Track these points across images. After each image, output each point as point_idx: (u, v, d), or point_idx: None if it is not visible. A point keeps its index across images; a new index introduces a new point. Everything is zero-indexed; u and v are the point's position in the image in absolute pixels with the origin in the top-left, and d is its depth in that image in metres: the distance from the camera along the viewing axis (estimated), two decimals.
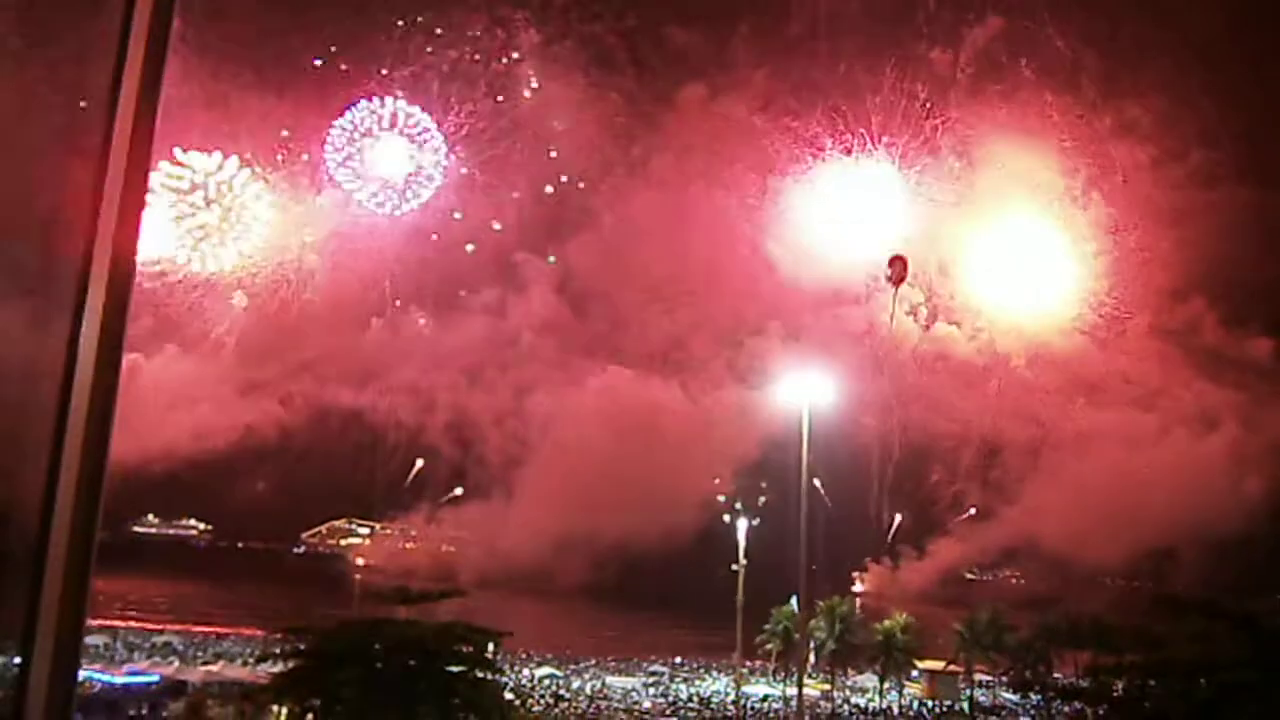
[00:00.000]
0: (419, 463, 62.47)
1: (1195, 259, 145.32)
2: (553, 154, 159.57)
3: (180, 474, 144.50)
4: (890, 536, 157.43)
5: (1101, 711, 17.29)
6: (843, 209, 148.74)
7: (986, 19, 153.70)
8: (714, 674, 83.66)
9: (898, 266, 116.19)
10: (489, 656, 38.22)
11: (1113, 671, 17.94)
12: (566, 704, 64.00)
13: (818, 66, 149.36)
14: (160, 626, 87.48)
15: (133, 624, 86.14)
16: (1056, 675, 62.41)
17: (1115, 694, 17.35)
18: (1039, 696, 62.57)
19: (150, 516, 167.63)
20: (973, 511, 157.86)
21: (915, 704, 73.72)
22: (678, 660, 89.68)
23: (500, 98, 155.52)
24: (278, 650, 38.33)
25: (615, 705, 65.03)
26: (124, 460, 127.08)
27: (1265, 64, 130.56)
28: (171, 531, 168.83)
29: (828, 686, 75.94)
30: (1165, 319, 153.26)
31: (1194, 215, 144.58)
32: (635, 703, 66.93)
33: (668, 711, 62.88)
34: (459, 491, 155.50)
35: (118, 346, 3.88)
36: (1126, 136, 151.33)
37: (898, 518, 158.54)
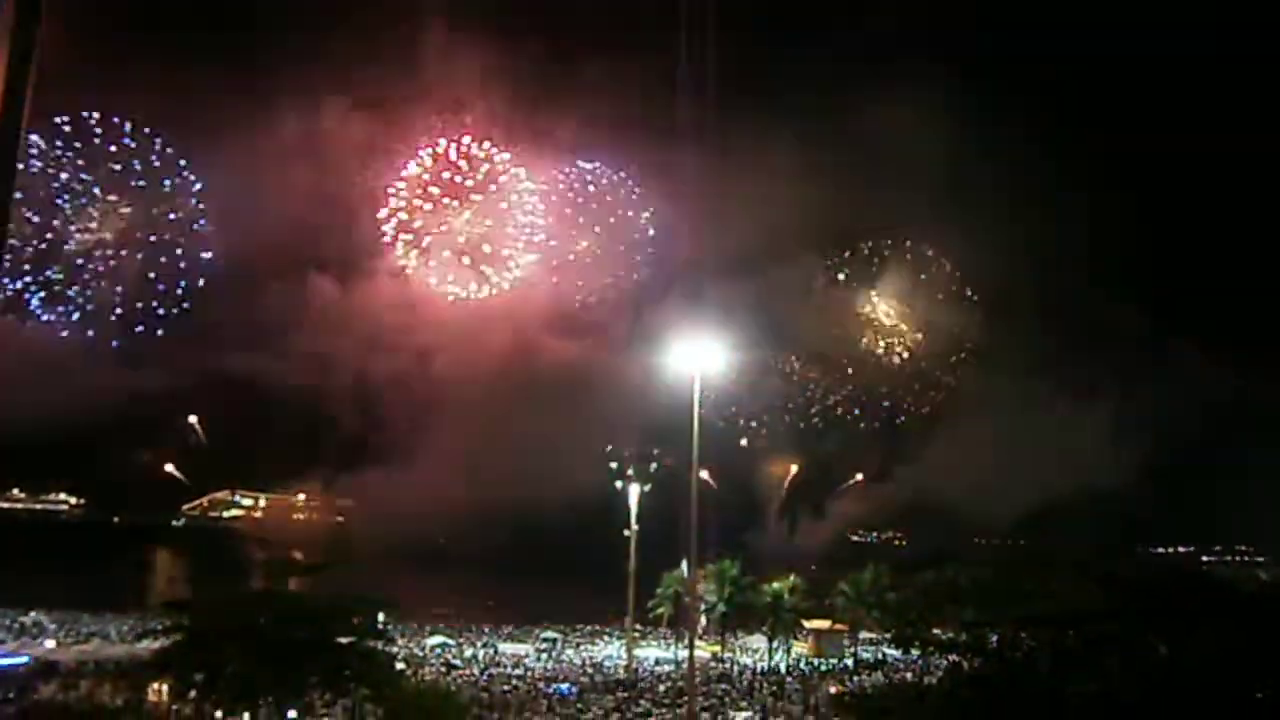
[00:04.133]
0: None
1: (1074, 232, 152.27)
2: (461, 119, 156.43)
3: (51, 444, 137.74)
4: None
5: (977, 663, 18.15)
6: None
7: None
8: (607, 639, 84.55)
9: None
10: (379, 627, 37.75)
11: (987, 625, 18.86)
12: (458, 672, 63.77)
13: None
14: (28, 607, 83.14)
15: None
16: (936, 631, 65.12)
17: (989, 646, 18.21)
18: (919, 651, 65.21)
19: (15, 491, 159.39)
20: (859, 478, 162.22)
21: (802, 662, 75.94)
22: (570, 625, 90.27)
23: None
24: (158, 627, 37.09)
25: (508, 672, 65.07)
26: None
27: None
28: (39, 506, 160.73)
29: (718, 648, 77.59)
30: (1049, 291, 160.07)
31: (1078, 189, 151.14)
32: (528, 669, 67.13)
33: (560, 677, 63.25)
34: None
35: None
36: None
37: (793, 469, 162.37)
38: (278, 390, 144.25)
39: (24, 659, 58.33)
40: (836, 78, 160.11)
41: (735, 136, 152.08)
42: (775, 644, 76.93)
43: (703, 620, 74.56)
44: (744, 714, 52.74)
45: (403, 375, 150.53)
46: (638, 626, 76.88)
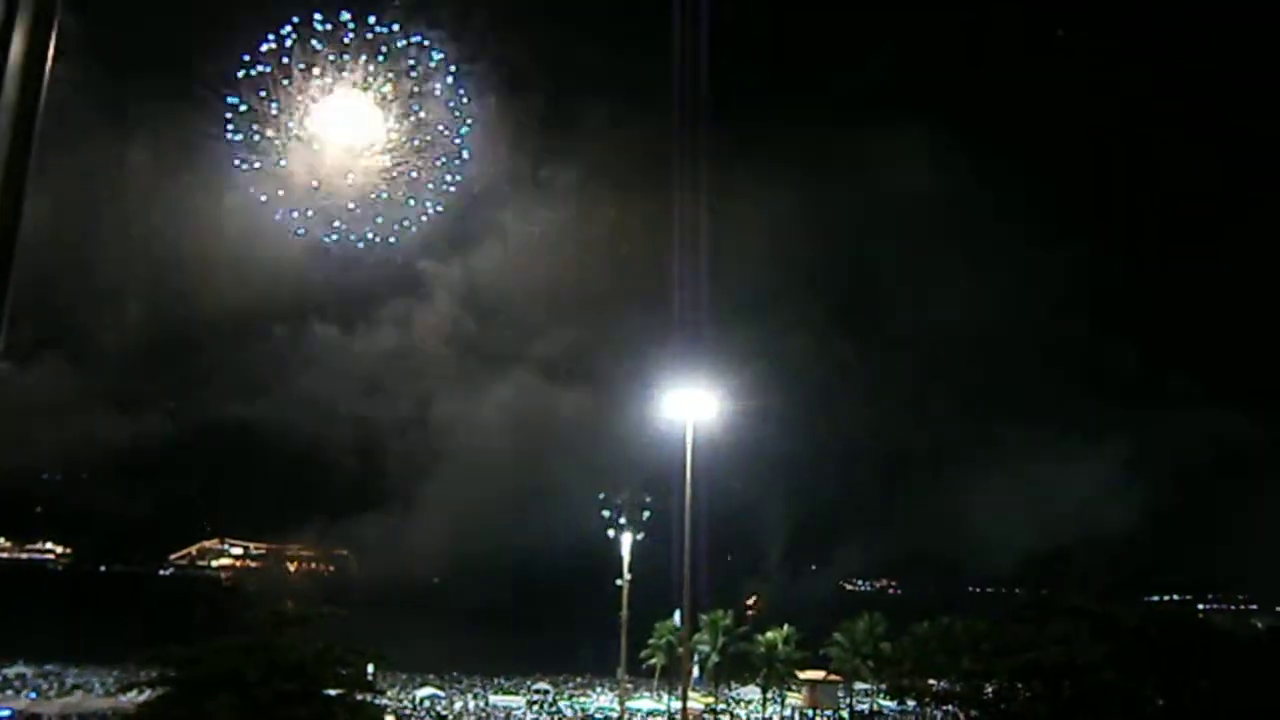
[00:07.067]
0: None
1: (1074, 277, 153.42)
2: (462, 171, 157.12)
3: (39, 493, 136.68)
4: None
5: (973, 715, 17.87)
6: None
7: None
8: (599, 689, 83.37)
9: None
10: (368, 678, 37.17)
11: (983, 676, 18.60)
12: None
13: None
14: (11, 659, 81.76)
15: None
16: (931, 681, 64.45)
17: (985, 697, 17.98)
18: (915, 703, 64.46)
19: (1, 540, 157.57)
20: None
21: (797, 714, 74.92)
22: (562, 676, 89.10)
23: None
24: (143, 679, 36.46)
25: None
26: None
27: None
28: (25, 556, 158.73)
29: (711, 699, 76.50)
30: (1045, 334, 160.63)
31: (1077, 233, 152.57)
32: None
33: None
34: None
35: None
36: None
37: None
38: (273, 436, 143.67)
39: (7, 712, 57.38)
40: (835, 124, 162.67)
41: (733, 186, 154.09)
42: (769, 695, 75.93)
43: (696, 671, 73.58)
44: None
45: (400, 421, 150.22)
46: (630, 678, 75.87)
